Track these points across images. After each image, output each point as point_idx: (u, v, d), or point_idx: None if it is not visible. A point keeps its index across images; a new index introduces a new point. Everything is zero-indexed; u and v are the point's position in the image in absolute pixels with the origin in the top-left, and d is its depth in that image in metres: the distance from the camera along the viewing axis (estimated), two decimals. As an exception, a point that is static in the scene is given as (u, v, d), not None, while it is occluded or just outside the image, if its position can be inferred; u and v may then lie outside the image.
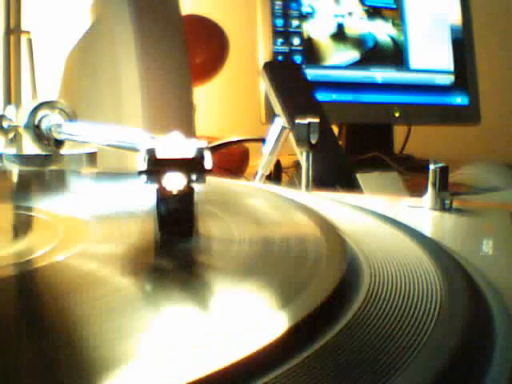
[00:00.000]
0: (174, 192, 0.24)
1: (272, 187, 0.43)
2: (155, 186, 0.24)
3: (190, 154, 0.24)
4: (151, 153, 0.24)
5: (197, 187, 0.25)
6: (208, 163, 0.24)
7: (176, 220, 0.25)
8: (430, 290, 0.20)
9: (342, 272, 0.20)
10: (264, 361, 0.14)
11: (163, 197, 0.25)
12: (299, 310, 0.17)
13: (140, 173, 0.24)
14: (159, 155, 0.24)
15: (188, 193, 0.25)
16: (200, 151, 0.24)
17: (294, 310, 0.17)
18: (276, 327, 0.16)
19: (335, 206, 0.34)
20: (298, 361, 0.15)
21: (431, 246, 0.25)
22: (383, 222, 0.30)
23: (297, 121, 0.42)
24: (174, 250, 0.24)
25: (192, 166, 0.24)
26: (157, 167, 0.24)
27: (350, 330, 0.17)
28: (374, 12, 1.16)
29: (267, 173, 0.61)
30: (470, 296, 0.20)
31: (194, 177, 0.24)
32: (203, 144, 0.24)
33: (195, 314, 0.18)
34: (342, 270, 0.20)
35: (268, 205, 0.32)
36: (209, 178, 0.25)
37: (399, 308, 0.18)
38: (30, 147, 0.48)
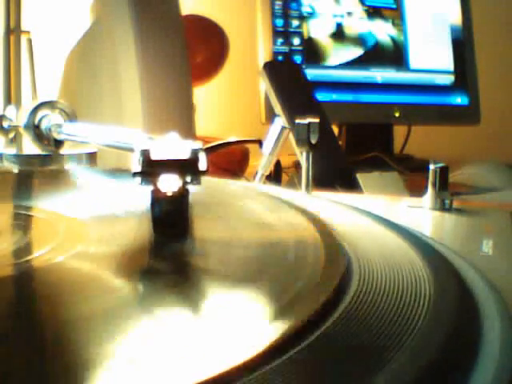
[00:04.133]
0: (169, 193, 0.24)
1: (271, 188, 0.43)
2: (150, 188, 0.24)
3: (185, 155, 0.24)
4: (146, 154, 0.24)
5: (193, 188, 0.25)
6: (203, 164, 0.24)
7: (170, 221, 0.25)
8: (419, 291, 0.20)
9: (339, 278, 0.20)
10: (256, 357, 0.14)
11: (158, 198, 0.24)
12: (291, 311, 0.17)
13: (134, 174, 0.24)
14: (154, 156, 0.24)
15: (183, 194, 0.25)
16: (195, 152, 0.24)
17: (288, 311, 0.17)
18: (266, 329, 0.16)
19: (328, 205, 0.34)
20: (286, 358, 0.15)
21: (423, 247, 0.25)
22: (376, 222, 0.30)
23: (297, 121, 0.42)
24: (172, 251, 0.24)
25: (187, 168, 0.24)
26: (151, 169, 0.24)
27: (337, 329, 0.17)
28: (373, 12, 1.16)
29: (267, 173, 0.61)
30: (459, 297, 0.20)
31: (188, 178, 0.24)
32: (198, 145, 0.24)
33: (192, 317, 0.18)
34: (338, 275, 0.20)
35: (263, 207, 0.32)
36: (206, 179, 0.25)
37: (387, 308, 0.18)
38: (30, 147, 0.48)
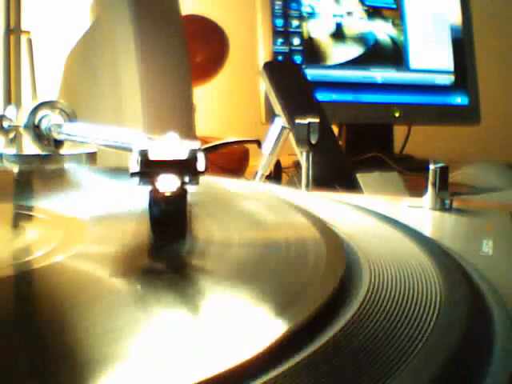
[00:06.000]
0: (167, 194, 0.24)
1: (272, 187, 0.43)
2: (148, 188, 0.24)
3: (183, 155, 0.24)
4: (144, 154, 0.24)
5: (192, 188, 0.25)
6: (201, 165, 0.24)
7: (168, 222, 0.25)
8: (429, 290, 0.20)
9: (341, 273, 0.20)
10: (262, 362, 0.14)
11: (156, 198, 0.24)
12: (298, 311, 0.17)
13: (133, 174, 0.24)
14: (152, 157, 0.24)
15: (181, 194, 0.24)
16: (193, 153, 0.24)
17: (292, 312, 0.17)
18: (274, 329, 0.16)
19: (334, 205, 0.34)
20: (296, 361, 0.15)
21: (431, 247, 0.25)
22: (383, 222, 0.30)
23: (297, 121, 0.42)
24: (173, 251, 0.24)
25: (185, 168, 0.24)
26: (150, 169, 0.24)
27: (349, 330, 0.17)
28: (373, 12, 1.16)
29: (267, 173, 0.61)
30: (469, 297, 0.19)
31: (186, 178, 0.24)
32: (196, 145, 0.24)
33: (193, 316, 0.18)
34: (340, 271, 0.20)
35: (264, 206, 0.32)
36: (205, 178, 0.25)
37: (399, 308, 0.18)
38: (30, 147, 0.48)
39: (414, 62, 1.17)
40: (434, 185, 0.37)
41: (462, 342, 0.16)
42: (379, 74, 1.14)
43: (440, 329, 0.17)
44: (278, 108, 0.72)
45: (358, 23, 1.15)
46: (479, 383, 0.15)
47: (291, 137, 0.58)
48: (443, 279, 0.21)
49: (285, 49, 1.08)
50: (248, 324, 0.16)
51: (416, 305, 0.18)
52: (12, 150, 0.49)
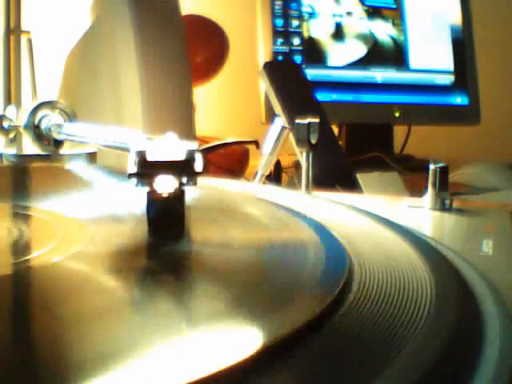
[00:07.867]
0: (165, 195, 0.24)
1: (271, 187, 0.43)
2: (146, 189, 0.24)
3: (181, 156, 0.24)
4: (141, 155, 0.23)
5: (190, 189, 0.25)
6: (199, 166, 0.24)
7: (166, 223, 0.25)
8: (420, 290, 0.20)
9: (343, 279, 0.20)
10: (252, 360, 0.14)
11: (154, 199, 0.24)
12: (290, 313, 0.17)
13: (130, 175, 0.24)
14: (150, 157, 0.24)
15: (179, 195, 0.24)
16: (191, 153, 0.24)
17: (288, 313, 0.17)
18: (265, 332, 0.16)
19: (328, 206, 0.34)
20: (284, 362, 0.15)
21: (423, 246, 0.25)
22: (376, 222, 0.30)
23: (297, 121, 0.42)
24: (172, 252, 0.24)
25: (183, 169, 0.24)
26: (147, 170, 0.24)
27: (337, 332, 0.17)
28: (373, 12, 1.16)
29: (267, 173, 0.61)
30: (460, 296, 0.20)
31: (184, 179, 0.24)
32: (194, 146, 0.24)
33: (189, 317, 0.18)
34: (343, 277, 0.20)
35: (261, 209, 0.32)
36: (203, 180, 0.25)
37: (388, 308, 0.18)
38: (30, 147, 0.48)
39: (414, 62, 1.17)
40: (434, 185, 0.37)
41: (450, 340, 0.16)
42: (379, 74, 1.14)
43: (430, 328, 0.17)
44: (278, 108, 0.72)
45: (358, 23, 1.15)
46: (470, 380, 0.15)
47: (291, 137, 0.58)
48: (433, 279, 0.21)
49: (285, 49, 1.08)
50: (245, 324, 0.16)
51: (406, 304, 0.18)
52: (12, 150, 0.49)
